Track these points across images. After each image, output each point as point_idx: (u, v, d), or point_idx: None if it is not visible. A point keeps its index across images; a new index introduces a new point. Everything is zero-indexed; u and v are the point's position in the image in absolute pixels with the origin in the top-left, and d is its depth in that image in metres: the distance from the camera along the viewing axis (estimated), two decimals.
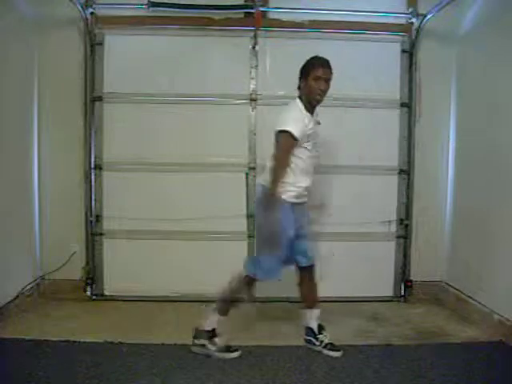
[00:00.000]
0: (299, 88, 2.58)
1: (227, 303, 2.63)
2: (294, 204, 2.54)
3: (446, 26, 3.52)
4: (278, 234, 2.44)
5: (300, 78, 2.57)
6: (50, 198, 3.55)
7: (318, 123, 2.62)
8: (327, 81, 2.51)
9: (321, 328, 2.69)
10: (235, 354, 2.58)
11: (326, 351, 2.62)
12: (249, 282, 2.61)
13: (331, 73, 2.52)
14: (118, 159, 3.54)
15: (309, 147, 2.53)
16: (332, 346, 2.63)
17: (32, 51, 3.42)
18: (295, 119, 2.47)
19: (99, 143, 3.55)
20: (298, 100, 2.57)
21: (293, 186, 2.52)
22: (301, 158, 2.52)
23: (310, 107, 2.55)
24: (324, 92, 2.52)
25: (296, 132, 2.43)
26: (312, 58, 2.54)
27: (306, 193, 2.62)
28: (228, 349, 2.59)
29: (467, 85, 3.44)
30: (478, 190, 3.22)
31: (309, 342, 2.70)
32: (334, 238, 3.56)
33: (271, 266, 2.52)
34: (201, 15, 3.45)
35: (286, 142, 2.45)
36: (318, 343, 2.66)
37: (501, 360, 2.58)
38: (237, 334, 2.86)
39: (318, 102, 2.55)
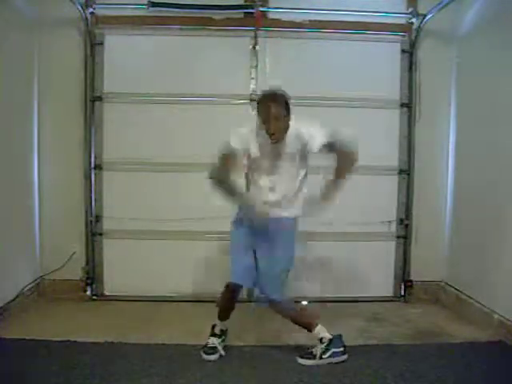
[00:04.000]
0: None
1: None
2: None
3: (446, 26, 3.52)
4: None
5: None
6: (49, 197, 3.55)
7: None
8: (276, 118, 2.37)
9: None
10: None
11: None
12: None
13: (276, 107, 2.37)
14: (117, 159, 3.54)
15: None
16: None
17: (32, 51, 3.42)
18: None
19: (99, 143, 3.55)
20: None
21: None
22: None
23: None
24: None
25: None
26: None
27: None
28: None
29: (467, 85, 3.44)
30: (477, 190, 3.22)
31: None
32: (334, 238, 3.57)
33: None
34: (201, 15, 3.46)
35: None
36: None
37: (501, 360, 2.58)
38: (237, 334, 2.86)
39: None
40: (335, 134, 2.44)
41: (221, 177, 2.44)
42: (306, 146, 2.44)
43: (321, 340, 2.51)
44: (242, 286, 2.63)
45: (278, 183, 2.51)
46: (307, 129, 2.44)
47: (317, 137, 2.42)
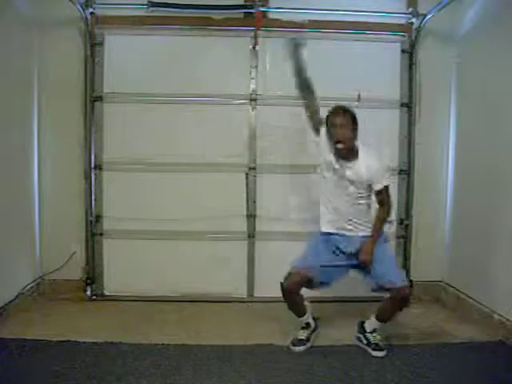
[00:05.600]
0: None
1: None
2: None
3: (446, 26, 3.52)
4: None
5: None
6: (50, 197, 3.55)
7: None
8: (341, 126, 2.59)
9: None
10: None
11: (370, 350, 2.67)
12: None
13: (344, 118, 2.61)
14: (118, 159, 3.54)
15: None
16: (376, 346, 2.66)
17: (32, 51, 3.42)
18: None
19: (99, 143, 3.55)
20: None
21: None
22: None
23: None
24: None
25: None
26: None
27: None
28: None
29: (467, 85, 3.43)
30: (477, 189, 3.22)
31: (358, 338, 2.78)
32: None
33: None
34: (201, 15, 3.46)
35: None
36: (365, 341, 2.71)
37: (501, 360, 2.58)
38: (237, 334, 2.86)
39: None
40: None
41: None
42: (372, 181, 2.65)
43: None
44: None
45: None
46: (379, 165, 2.65)
47: (383, 178, 2.65)
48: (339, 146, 2.59)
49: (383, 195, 2.69)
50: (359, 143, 2.67)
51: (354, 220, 2.69)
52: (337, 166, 2.66)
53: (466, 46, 3.43)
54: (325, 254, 2.71)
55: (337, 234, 2.71)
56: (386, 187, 2.68)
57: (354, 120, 2.63)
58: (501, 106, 2.96)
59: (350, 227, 2.69)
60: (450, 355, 2.61)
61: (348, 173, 2.64)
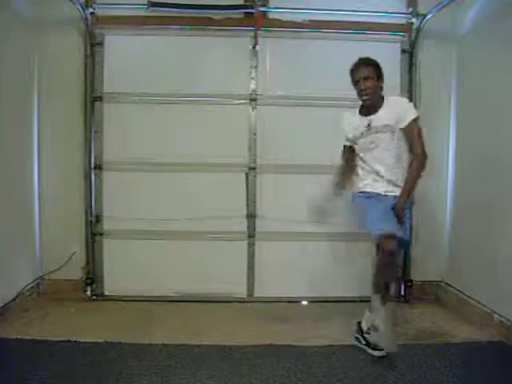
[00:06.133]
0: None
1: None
2: None
3: (445, 26, 3.52)
4: None
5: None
6: (49, 197, 3.55)
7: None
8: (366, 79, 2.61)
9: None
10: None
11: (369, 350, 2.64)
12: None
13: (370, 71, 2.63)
14: (118, 159, 3.54)
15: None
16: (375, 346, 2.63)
17: (32, 51, 3.42)
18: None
19: (99, 143, 3.55)
20: None
21: None
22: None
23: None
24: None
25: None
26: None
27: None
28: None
29: (467, 85, 3.43)
30: (478, 190, 3.22)
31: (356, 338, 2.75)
32: (334, 238, 3.56)
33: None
34: (201, 15, 3.46)
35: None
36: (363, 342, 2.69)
37: (501, 360, 2.58)
38: (237, 334, 2.86)
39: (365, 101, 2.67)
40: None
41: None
42: (399, 118, 2.61)
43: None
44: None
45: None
46: (402, 101, 2.72)
47: (409, 111, 2.62)
48: (365, 97, 2.62)
49: (413, 133, 2.60)
50: (384, 94, 2.68)
51: (392, 178, 2.64)
52: (365, 127, 2.66)
53: (466, 46, 3.43)
54: (388, 211, 2.59)
55: (384, 195, 2.65)
56: (415, 120, 2.60)
57: (378, 71, 2.64)
58: (501, 106, 2.96)
59: (389, 187, 2.65)
60: (450, 355, 2.61)
61: (375, 124, 2.63)
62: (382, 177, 2.66)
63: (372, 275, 2.64)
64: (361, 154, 2.75)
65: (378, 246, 2.57)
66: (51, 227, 3.55)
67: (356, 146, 2.76)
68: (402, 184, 2.63)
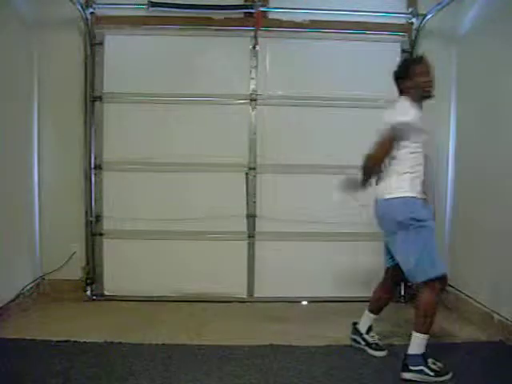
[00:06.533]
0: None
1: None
2: None
3: (446, 26, 3.52)
4: None
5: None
6: (50, 197, 3.55)
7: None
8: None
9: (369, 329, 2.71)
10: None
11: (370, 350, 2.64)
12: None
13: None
14: (118, 159, 3.54)
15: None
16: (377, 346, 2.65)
17: (32, 51, 3.42)
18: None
19: (99, 143, 3.55)
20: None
21: None
22: None
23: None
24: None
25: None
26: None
27: None
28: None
29: (467, 85, 3.43)
30: (478, 190, 3.22)
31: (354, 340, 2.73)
32: (334, 238, 3.57)
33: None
34: (201, 15, 3.46)
35: None
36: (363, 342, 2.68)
37: (501, 360, 2.58)
38: (237, 334, 2.86)
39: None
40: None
41: None
42: None
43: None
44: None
45: None
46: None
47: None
48: (431, 89, 2.52)
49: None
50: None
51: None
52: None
53: (466, 45, 3.43)
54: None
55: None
56: None
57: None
58: (501, 106, 2.96)
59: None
60: (450, 355, 2.61)
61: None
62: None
63: (423, 316, 2.45)
64: (412, 155, 2.41)
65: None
66: (51, 227, 3.55)
67: (417, 145, 2.42)
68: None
